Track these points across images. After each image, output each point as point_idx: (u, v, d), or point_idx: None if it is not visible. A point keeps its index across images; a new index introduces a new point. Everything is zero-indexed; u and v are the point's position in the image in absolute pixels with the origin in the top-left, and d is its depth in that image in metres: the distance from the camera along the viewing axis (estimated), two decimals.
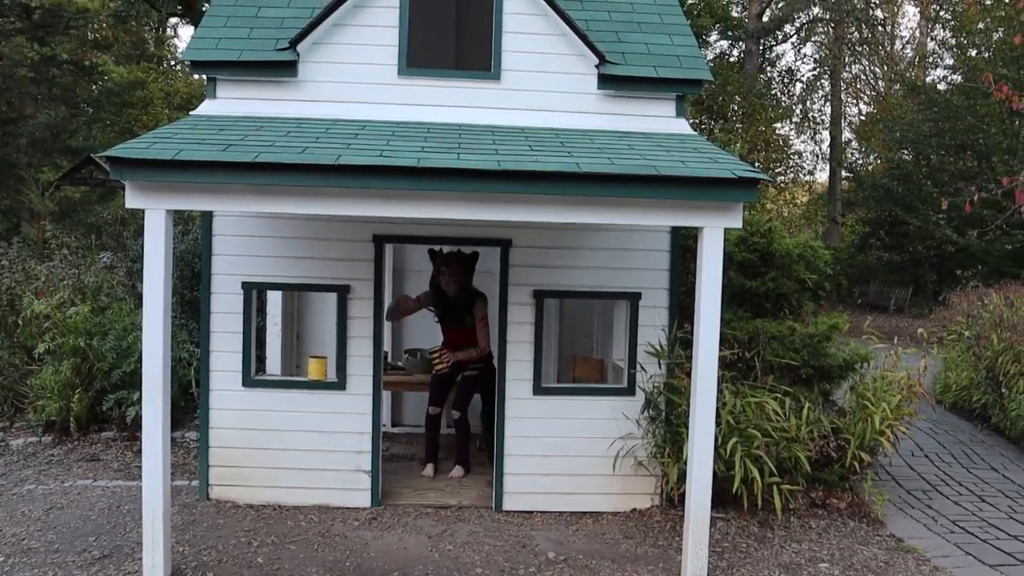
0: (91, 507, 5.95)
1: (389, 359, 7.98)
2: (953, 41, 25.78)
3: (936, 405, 10.11)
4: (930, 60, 28.21)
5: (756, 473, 5.64)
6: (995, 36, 21.13)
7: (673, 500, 6.15)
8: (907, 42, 31.23)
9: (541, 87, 6.19)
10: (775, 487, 5.75)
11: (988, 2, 21.33)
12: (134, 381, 7.40)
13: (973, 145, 20.81)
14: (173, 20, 25.45)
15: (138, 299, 8.83)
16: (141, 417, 4.72)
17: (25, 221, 19.78)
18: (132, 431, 7.52)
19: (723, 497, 5.87)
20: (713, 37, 26.54)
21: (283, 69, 5.97)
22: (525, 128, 5.91)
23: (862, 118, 31.50)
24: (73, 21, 20.94)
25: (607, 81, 6.16)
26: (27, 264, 11.08)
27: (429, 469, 6.93)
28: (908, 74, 26.99)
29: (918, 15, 29.45)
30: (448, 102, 6.12)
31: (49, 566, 4.92)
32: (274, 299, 7.35)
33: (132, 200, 4.56)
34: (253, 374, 6.15)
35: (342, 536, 5.58)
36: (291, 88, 6.04)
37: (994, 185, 11.58)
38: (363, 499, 6.14)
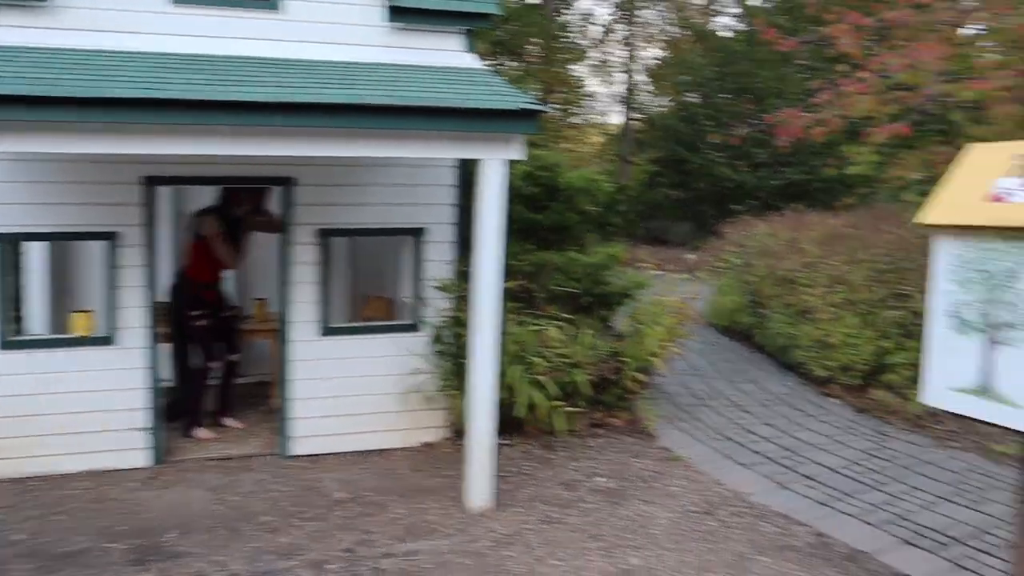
0: None
1: None
2: None
3: (709, 327, 10.98)
4: (716, 6, 29.83)
5: (540, 397, 5.91)
6: None
7: (462, 432, 6.31)
8: None
9: (325, 19, 5.96)
10: (556, 410, 6.06)
11: None
12: None
13: (752, 88, 22.39)
14: None
15: None
16: None
17: None
18: None
19: (509, 424, 6.10)
20: None
21: None
22: (307, 61, 5.67)
23: (656, 62, 32.91)
24: None
25: (395, 13, 6.03)
26: None
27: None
28: (695, 21, 28.47)
29: None
30: (225, 34, 5.75)
31: None
32: (39, 252, 6.74)
33: None
34: (9, 335, 5.65)
35: (117, 500, 5.29)
36: (44, 14, 5.41)
37: (758, 122, 12.58)
38: (142, 459, 5.85)
